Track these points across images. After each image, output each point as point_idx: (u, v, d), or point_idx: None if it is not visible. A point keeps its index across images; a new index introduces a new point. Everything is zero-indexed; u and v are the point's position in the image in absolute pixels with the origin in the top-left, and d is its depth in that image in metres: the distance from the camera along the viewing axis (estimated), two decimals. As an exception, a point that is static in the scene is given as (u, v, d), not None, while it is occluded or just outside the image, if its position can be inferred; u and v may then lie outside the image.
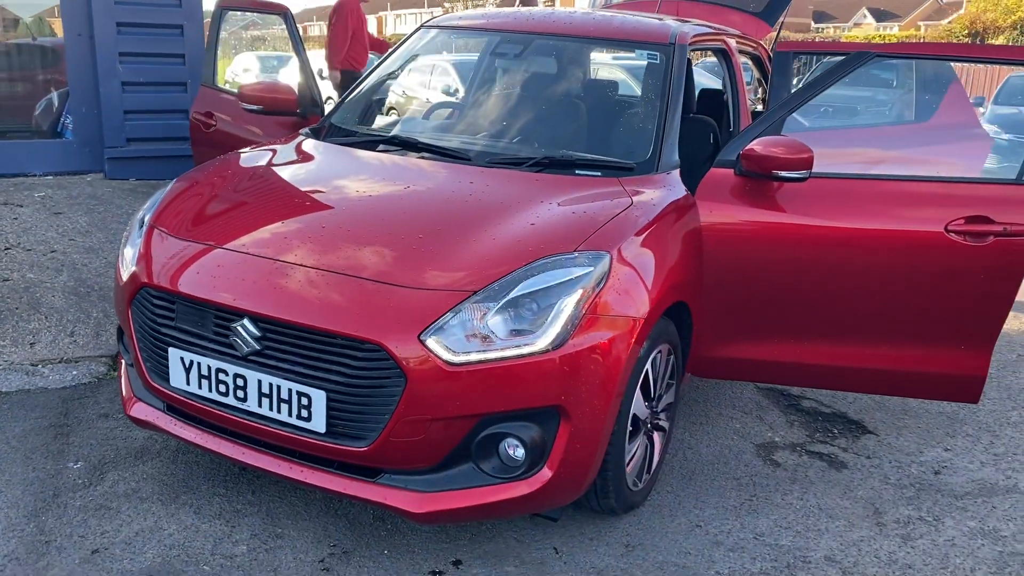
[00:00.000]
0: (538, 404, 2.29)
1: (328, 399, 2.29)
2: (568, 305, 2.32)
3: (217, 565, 2.41)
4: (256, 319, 2.35)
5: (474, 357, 2.23)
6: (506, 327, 2.28)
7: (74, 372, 3.63)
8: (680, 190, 3.01)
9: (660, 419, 2.92)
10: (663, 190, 2.95)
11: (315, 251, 2.46)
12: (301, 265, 2.41)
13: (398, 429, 2.24)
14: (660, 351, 2.74)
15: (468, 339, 2.24)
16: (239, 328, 2.36)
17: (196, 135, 4.60)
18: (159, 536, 2.53)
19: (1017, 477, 3.26)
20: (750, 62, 4.72)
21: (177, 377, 2.51)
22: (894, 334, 3.06)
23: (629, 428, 2.61)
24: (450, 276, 2.34)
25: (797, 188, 2.99)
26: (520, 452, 2.33)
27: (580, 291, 2.34)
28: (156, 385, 2.59)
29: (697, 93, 3.88)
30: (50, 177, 5.96)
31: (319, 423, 2.31)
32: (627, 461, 2.66)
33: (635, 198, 2.80)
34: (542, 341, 2.27)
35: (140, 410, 2.73)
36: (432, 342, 2.22)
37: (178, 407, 2.59)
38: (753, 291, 3.05)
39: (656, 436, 2.88)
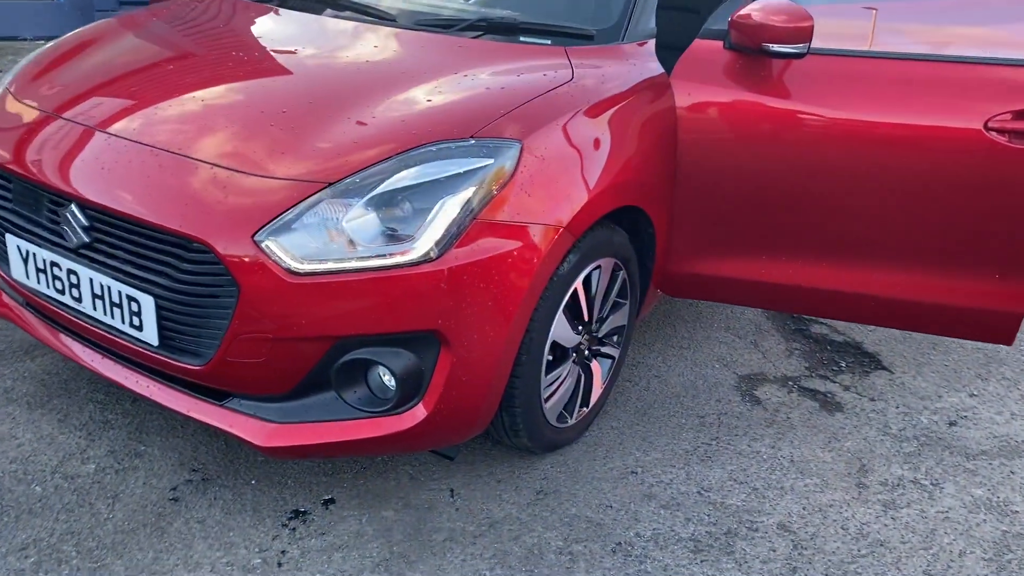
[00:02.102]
0: (409, 328, 1.85)
1: (157, 306, 1.90)
2: (451, 207, 1.83)
3: (52, 486, 2.10)
4: (84, 206, 1.95)
5: (325, 266, 1.79)
6: (370, 231, 1.82)
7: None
8: (651, 67, 2.42)
9: (604, 345, 2.45)
10: (626, 65, 2.38)
11: (158, 126, 2.02)
12: (137, 142, 1.97)
13: (235, 348, 1.84)
14: (599, 266, 2.25)
15: (319, 243, 1.80)
16: (68, 215, 1.97)
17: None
18: (6, 446, 2.24)
19: (1052, 436, 2.69)
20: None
21: (17, 268, 2.15)
22: (911, 256, 2.47)
23: (548, 357, 2.15)
24: (306, 163, 1.88)
25: (801, 69, 2.38)
26: (391, 383, 1.91)
27: (470, 189, 1.85)
28: (5, 276, 2.25)
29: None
30: (41, 41, 5.63)
31: (151, 334, 1.93)
32: (547, 395, 2.22)
33: (581, 72, 2.24)
34: (415, 251, 1.80)
35: (5, 301, 2.40)
36: (271, 244, 1.78)
37: (30, 301, 2.25)
38: (738, 195, 2.48)
39: (596, 365, 2.42)
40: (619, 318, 2.46)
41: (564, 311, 2.15)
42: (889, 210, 2.41)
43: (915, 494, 2.35)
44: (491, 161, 1.89)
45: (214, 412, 1.98)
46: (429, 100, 2.04)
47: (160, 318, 1.90)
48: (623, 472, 2.32)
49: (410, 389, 1.91)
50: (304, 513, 2.08)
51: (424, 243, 1.81)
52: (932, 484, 2.40)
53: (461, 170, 1.87)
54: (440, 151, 1.88)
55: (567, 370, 2.29)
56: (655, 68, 2.43)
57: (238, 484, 2.16)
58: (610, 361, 2.51)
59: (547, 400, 2.22)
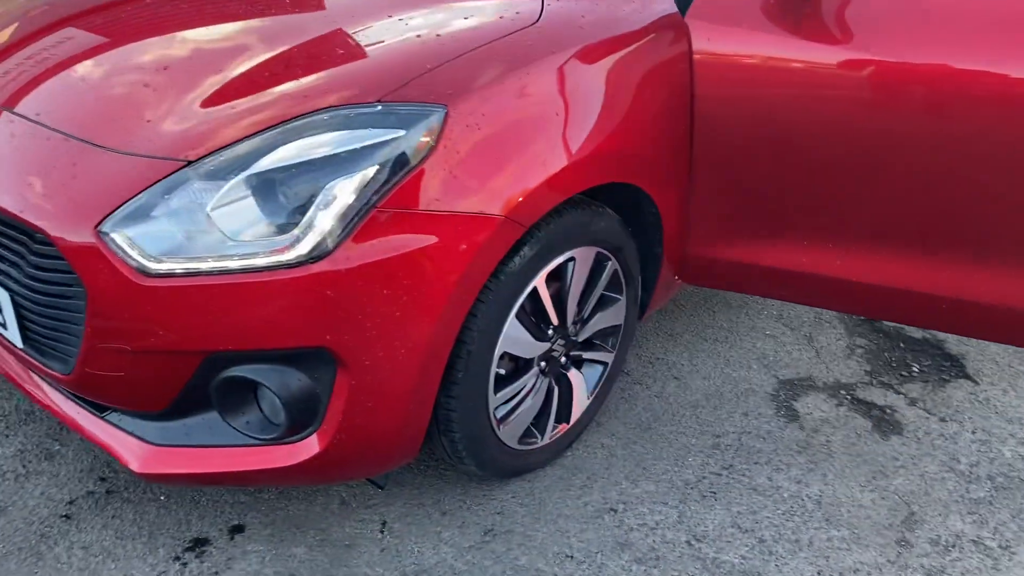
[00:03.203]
0: (289, 344, 1.48)
1: (14, 303, 1.60)
2: (345, 192, 1.43)
3: (-61, 493, 1.88)
4: (-57, 181, 1.66)
5: (186, 265, 1.43)
6: (241, 221, 1.45)
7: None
8: (659, 5, 1.92)
9: (590, 350, 2.02)
10: (620, 1, 1.88)
11: (13, 83, 1.69)
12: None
13: (92, 358, 1.53)
14: (573, 259, 1.81)
15: (179, 236, 1.44)
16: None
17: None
18: (-86, 439, 2.03)
19: None
20: None
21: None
22: (998, 248, 1.90)
23: (499, 370, 1.75)
24: (171, 135, 1.51)
25: (863, 4, 1.83)
26: (280, 407, 1.56)
27: (370, 169, 1.45)
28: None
29: None
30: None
31: (14, 332, 1.65)
32: (502, 414, 1.82)
33: (555, 10, 1.77)
34: (296, 248, 1.42)
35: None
36: (118, 237, 1.43)
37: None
38: (776, 166, 1.97)
39: (575, 376, 1.99)
40: (611, 316, 2.02)
41: (520, 315, 1.73)
42: (991, 192, 1.84)
43: (975, 560, 1.83)
44: (402, 133, 1.47)
45: (95, 424, 1.69)
46: (341, 52, 1.63)
47: (19, 316, 1.61)
48: (600, 509, 1.91)
49: (301, 415, 1.56)
50: (205, 543, 1.77)
51: (308, 239, 1.42)
52: (1001, 547, 1.87)
53: (360, 144, 1.46)
54: (333, 120, 1.47)
55: (531, 383, 1.87)
56: (664, 5, 1.92)
57: (145, 500, 1.88)
58: (600, 368, 2.08)
59: (502, 421, 1.82)
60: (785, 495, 1.97)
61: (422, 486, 1.94)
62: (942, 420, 2.27)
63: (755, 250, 2.13)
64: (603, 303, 1.98)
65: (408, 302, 1.49)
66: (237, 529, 1.81)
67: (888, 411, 2.30)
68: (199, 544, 1.77)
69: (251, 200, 1.44)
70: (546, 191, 1.62)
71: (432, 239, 1.49)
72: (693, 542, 1.83)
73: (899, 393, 2.38)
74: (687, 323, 2.66)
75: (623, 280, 2.00)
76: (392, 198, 1.46)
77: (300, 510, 1.86)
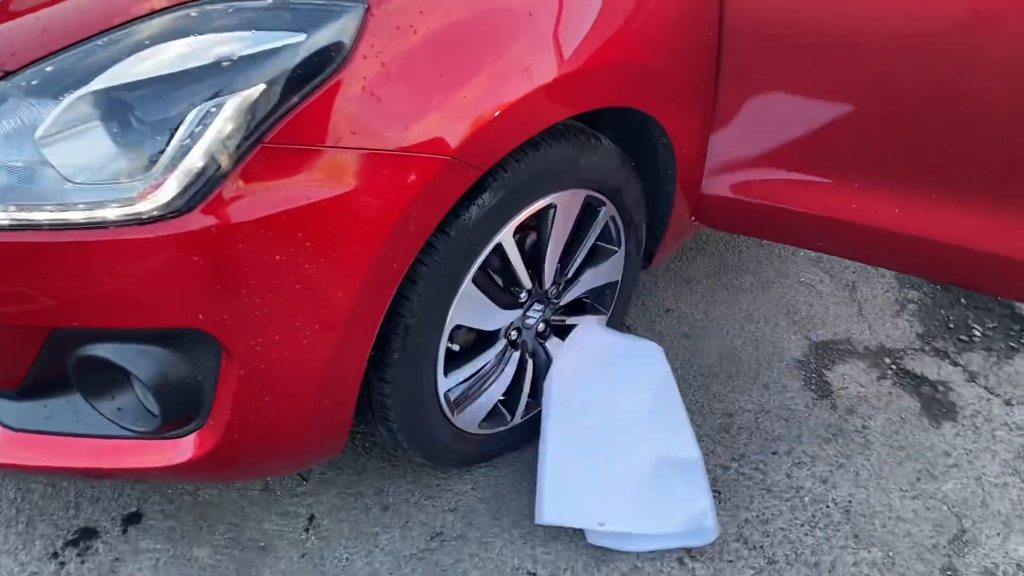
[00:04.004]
0: (152, 324, 1.11)
1: None
2: (216, 120, 1.03)
3: None
4: None
5: (15, 216, 1.05)
6: (80, 156, 1.05)
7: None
8: None
9: (577, 314, 1.64)
10: None
11: None
12: None
13: (-88, 327, 1.18)
14: (553, 205, 1.40)
15: (1, 176, 1.06)
16: None
17: None
18: None
19: None
20: None
21: None
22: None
23: (452, 346, 1.38)
24: (-11, 32, 1.10)
25: None
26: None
27: (254, 89, 1.04)
28: None
29: None
30: None
31: None
32: (457, 395, 1.46)
33: None
34: (149, 198, 1.04)
35: None
36: (-85, 174, 1.05)
37: None
38: (829, 86, 1.52)
39: (556, 347, 1.61)
40: (605, 272, 1.62)
41: (480, 279, 1.35)
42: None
43: (1041, 598, 1.47)
44: (301, 37, 1.05)
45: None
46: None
47: None
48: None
49: (179, 407, 1.20)
50: (92, 535, 1.46)
51: (167, 186, 1.03)
52: (1074, 582, 1.51)
53: (241, 53, 1.04)
54: (203, 17, 1.05)
55: (497, 359, 1.50)
56: None
57: (31, 480, 1.56)
58: (590, 333, 1.69)
59: (458, 404, 1.47)
60: (806, 499, 1.61)
61: (364, 470, 1.60)
62: (1008, 403, 1.87)
63: (793, 190, 1.70)
64: (595, 257, 1.59)
65: (312, 271, 1.11)
66: (132, 519, 1.49)
67: (941, 388, 1.91)
68: (85, 537, 1.46)
69: (94, 128, 1.05)
70: (510, 122, 1.20)
71: (345, 186, 1.09)
72: (687, 560, 1.48)
73: (956, 364, 1.98)
74: (706, 265, 2.25)
75: (621, 228, 1.59)
76: (286, 129, 1.05)
77: (212, 496, 1.54)
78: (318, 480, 1.58)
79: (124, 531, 1.47)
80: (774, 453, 1.70)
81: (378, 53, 1.09)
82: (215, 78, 1.03)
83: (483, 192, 1.27)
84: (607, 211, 1.53)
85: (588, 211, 1.50)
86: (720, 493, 1.61)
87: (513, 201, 1.32)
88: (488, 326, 1.44)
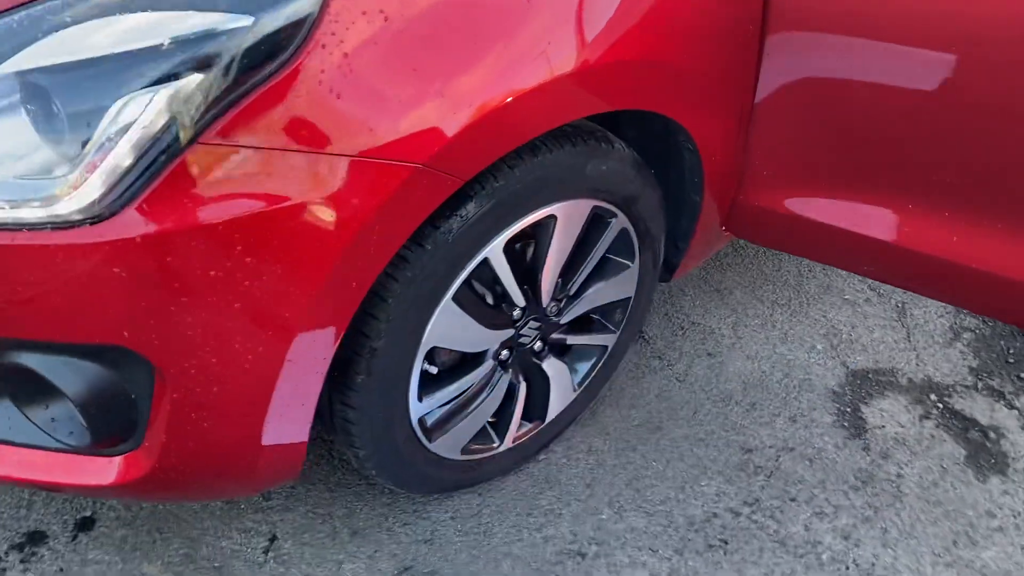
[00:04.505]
0: (72, 338, 0.99)
1: None
2: (144, 113, 0.89)
3: None
4: None
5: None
6: (-7, 144, 0.92)
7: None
8: None
9: (581, 333, 1.48)
10: None
11: None
12: None
13: None
14: (552, 216, 1.24)
15: None
16: None
17: None
18: None
19: None
20: None
21: None
22: None
23: (429, 368, 1.24)
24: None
25: None
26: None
27: (191, 78, 0.89)
28: None
29: None
30: None
31: None
32: (434, 420, 1.32)
33: None
34: (66, 200, 0.90)
35: None
36: None
37: None
38: (893, 96, 1.33)
39: (555, 367, 1.45)
40: (616, 288, 1.46)
41: (462, 297, 1.19)
42: None
43: None
44: (247, 21, 0.90)
45: None
46: None
47: None
48: (563, 551, 1.42)
49: (109, 425, 1.09)
50: (41, 540, 1.37)
51: (88, 186, 0.90)
52: None
53: (177, 36, 0.89)
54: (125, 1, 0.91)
55: (483, 382, 1.35)
56: None
57: (-12, 465, 1.47)
58: (597, 353, 1.53)
59: (435, 429, 1.32)
60: (824, 557, 1.44)
61: (338, 487, 1.48)
62: (1066, 458, 1.66)
63: (839, 206, 1.51)
64: (604, 271, 1.42)
65: (254, 289, 0.97)
66: (85, 524, 1.39)
67: (992, 435, 1.70)
68: (32, 541, 1.36)
69: (10, 116, 0.91)
70: (498, 127, 1.04)
71: (294, 194, 0.95)
72: (681, 621, 1.33)
73: (1012, 407, 1.77)
74: (741, 275, 2.06)
75: (635, 241, 1.42)
76: (227, 126, 0.91)
77: (171, 509, 1.42)
78: (287, 494, 1.46)
79: (74, 537, 1.37)
80: (793, 500, 1.53)
81: (340, 42, 0.93)
82: (146, 64, 0.89)
83: (467, 202, 1.11)
84: (619, 223, 1.36)
85: (596, 222, 1.33)
86: (727, 543, 1.44)
87: (504, 212, 1.16)
88: (472, 348, 1.28)
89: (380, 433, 1.23)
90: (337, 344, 1.08)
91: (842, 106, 1.40)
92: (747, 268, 2.08)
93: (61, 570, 1.32)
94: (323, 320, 1.04)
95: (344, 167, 0.95)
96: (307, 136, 0.93)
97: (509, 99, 1.02)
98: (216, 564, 1.35)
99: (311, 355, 1.06)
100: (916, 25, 1.23)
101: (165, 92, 0.89)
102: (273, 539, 1.39)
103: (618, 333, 1.53)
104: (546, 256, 1.27)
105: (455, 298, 1.18)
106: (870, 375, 1.82)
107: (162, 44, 0.89)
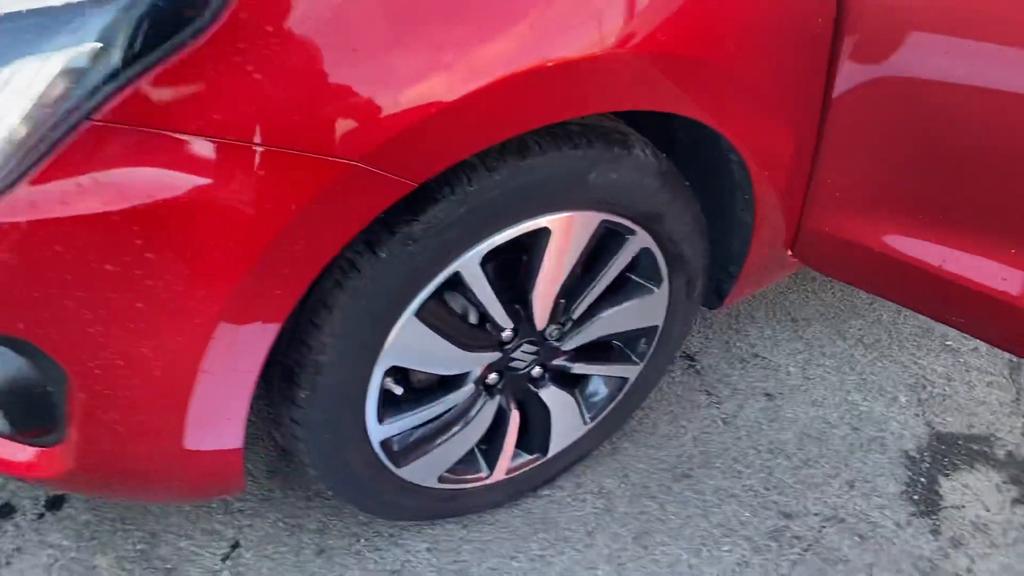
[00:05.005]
0: (-30, 321, 0.91)
1: None
2: (29, 85, 0.79)
3: None
4: None
5: None
6: None
7: None
8: None
9: (595, 362, 1.30)
10: None
11: None
12: None
13: None
14: (545, 229, 1.06)
15: None
16: None
17: None
18: None
19: None
20: None
21: None
22: None
23: (392, 387, 1.10)
24: None
25: None
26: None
27: (81, 48, 0.78)
28: None
29: None
30: None
31: None
32: (404, 445, 1.18)
33: None
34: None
35: None
36: None
37: None
38: (998, 115, 1.09)
39: (555, 397, 1.28)
40: (637, 314, 1.27)
41: (429, 315, 1.04)
42: None
43: None
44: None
45: None
46: None
47: None
48: (544, 604, 1.25)
49: (26, 415, 1.01)
50: (8, 515, 1.33)
51: (-24, 158, 0.81)
52: None
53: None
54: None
55: (463, 407, 1.20)
56: None
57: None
58: (616, 384, 1.34)
59: (404, 453, 1.18)
60: (854, 660, 1.20)
61: (316, 498, 1.37)
62: None
63: (929, 244, 1.27)
64: (622, 294, 1.23)
65: (158, 287, 0.86)
66: (55, 503, 1.34)
67: (1102, 534, 1.39)
68: (1, 514, 1.33)
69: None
70: (460, 121, 0.88)
71: (202, 185, 0.82)
72: None
73: None
74: (824, 305, 1.80)
75: (662, 263, 1.22)
76: (125, 103, 0.79)
77: (151, 526, 1.35)
78: (263, 497, 1.36)
79: (41, 516, 1.32)
80: (829, 583, 1.30)
81: (263, 13, 0.79)
82: (31, 32, 0.79)
83: (432, 206, 0.95)
84: (638, 241, 1.16)
85: (609, 238, 1.15)
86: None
87: (479, 221, 1.00)
88: (445, 370, 1.13)
89: (331, 453, 1.10)
90: (266, 355, 0.96)
91: (938, 123, 1.15)
92: (833, 297, 1.82)
93: (18, 549, 1.28)
94: (243, 329, 0.91)
95: (259, 158, 0.82)
96: (218, 120, 0.80)
97: (473, 89, 0.86)
98: (169, 566, 1.27)
99: (232, 366, 0.94)
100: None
101: (58, 59, 0.78)
102: (235, 546, 1.30)
103: (641, 365, 1.33)
104: (537, 274, 1.10)
105: (420, 314, 1.03)
106: (960, 441, 1.54)
107: (51, 8, 0.78)
